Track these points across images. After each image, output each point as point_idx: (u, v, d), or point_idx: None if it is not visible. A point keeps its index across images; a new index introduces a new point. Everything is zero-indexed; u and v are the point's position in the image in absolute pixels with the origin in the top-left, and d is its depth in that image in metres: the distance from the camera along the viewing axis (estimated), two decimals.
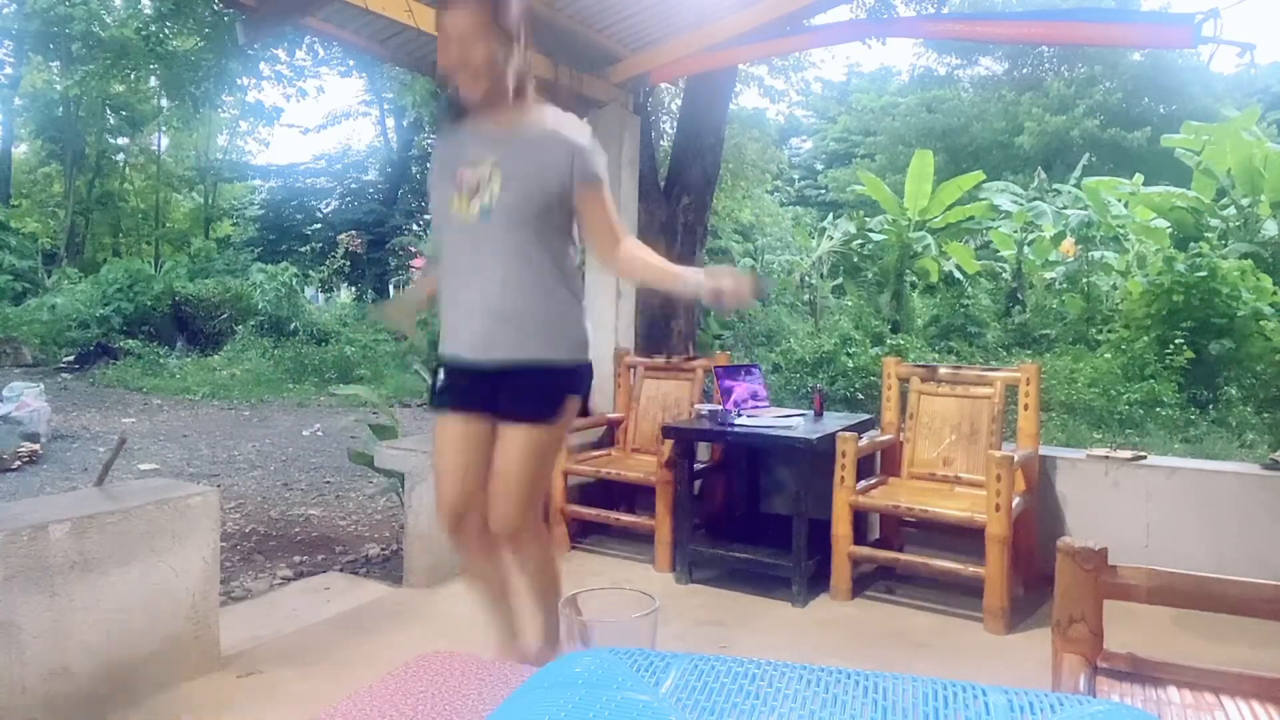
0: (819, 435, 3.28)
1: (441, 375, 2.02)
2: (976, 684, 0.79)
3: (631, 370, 4.21)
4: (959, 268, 12.63)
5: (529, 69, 1.95)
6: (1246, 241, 9.54)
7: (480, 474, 1.97)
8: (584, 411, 2.06)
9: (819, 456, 3.28)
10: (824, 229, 15.16)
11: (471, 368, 1.94)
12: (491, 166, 1.87)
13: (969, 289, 12.14)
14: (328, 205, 22.19)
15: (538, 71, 3.82)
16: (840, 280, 13.96)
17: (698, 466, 3.68)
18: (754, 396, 3.83)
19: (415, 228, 19.20)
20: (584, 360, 1.99)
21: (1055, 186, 13.75)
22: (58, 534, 2.13)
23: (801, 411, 3.77)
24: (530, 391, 1.91)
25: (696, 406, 3.83)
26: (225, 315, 13.84)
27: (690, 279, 1.80)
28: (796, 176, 25.52)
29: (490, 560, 2.10)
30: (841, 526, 3.23)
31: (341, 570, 3.74)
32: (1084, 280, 10.85)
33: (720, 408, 3.61)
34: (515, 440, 1.91)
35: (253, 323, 13.41)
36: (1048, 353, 9.47)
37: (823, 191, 24.41)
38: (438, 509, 2.02)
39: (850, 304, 12.93)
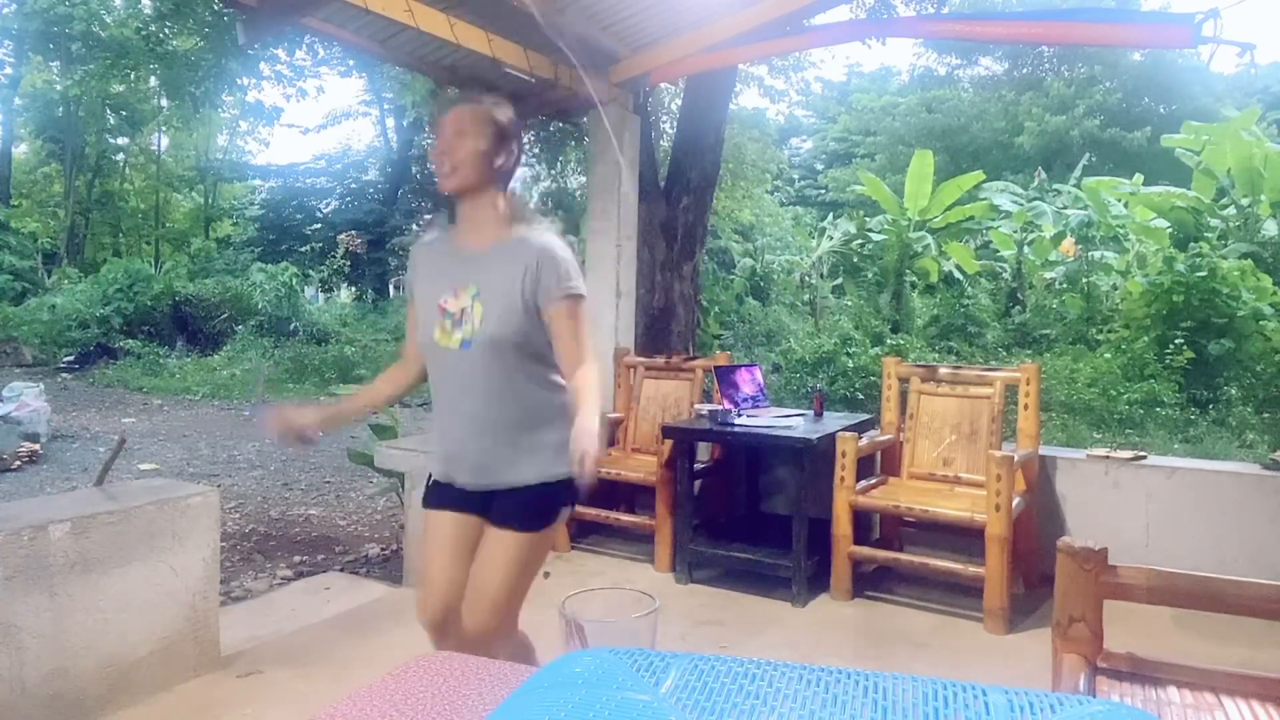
0: (819, 435, 3.28)
1: (431, 479, 2.01)
2: (976, 684, 0.79)
3: (631, 370, 4.21)
4: (959, 268, 12.63)
5: (519, 194, 1.96)
6: (1246, 241, 9.54)
7: (466, 575, 1.93)
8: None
9: (819, 456, 3.28)
10: (824, 229, 15.16)
11: (464, 487, 1.94)
12: (472, 298, 1.86)
13: (969, 289, 12.14)
14: (328, 205, 22.18)
15: (538, 71, 3.84)
16: (840, 280, 13.96)
17: (698, 466, 3.68)
18: (754, 396, 3.83)
19: (415, 227, 19.20)
20: (574, 475, 1.97)
21: (1055, 186, 13.74)
22: (58, 534, 2.13)
23: (801, 411, 3.77)
24: (523, 506, 1.88)
25: (696, 406, 3.83)
26: (225, 315, 13.84)
27: (578, 427, 1.73)
28: (796, 176, 25.53)
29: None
30: (841, 526, 3.23)
31: (341, 570, 3.74)
32: (1084, 280, 10.84)
33: (720, 408, 3.61)
34: (501, 543, 1.88)
35: (253, 323, 13.42)
36: (1048, 353, 9.46)
37: (823, 191, 24.40)
38: (419, 610, 1.96)
39: (850, 304, 12.93)
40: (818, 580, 3.28)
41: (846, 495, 3.22)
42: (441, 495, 1.98)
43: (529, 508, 1.88)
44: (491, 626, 1.88)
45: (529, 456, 1.88)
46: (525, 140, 2.03)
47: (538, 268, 1.83)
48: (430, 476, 2.02)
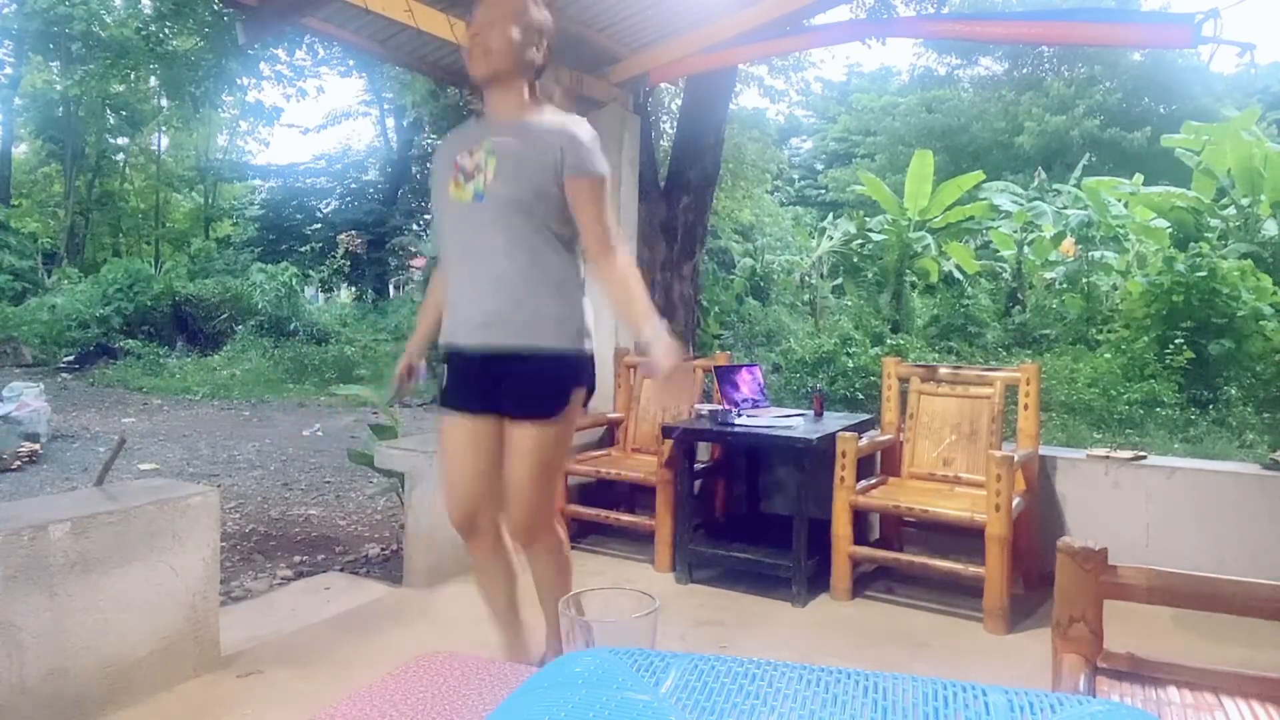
0: (819, 435, 3.28)
1: (447, 373, 2.02)
2: (976, 684, 0.79)
3: (631, 370, 4.21)
4: (959, 268, 12.64)
5: (546, 74, 1.99)
6: (1246, 241, 9.54)
7: (489, 476, 1.97)
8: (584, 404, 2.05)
9: (819, 456, 3.28)
10: (824, 229, 15.17)
11: (473, 354, 1.94)
12: (486, 152, 1.88)
13: (969, 289, 12.14)
14: (328, 205, 22.19)
15: None
16: (840, 280, 13.96)
17: (698, 466, 3.68)
18: (754, 396, 3.83)
19: (415, 228, 19.22)
20: (585, 349, 1.97)
21: (1055, 186, 13.75)
22: (58, 534, 2.13)
23: (801, 411, 3.77)
24: (533, 385, 1.90)
25: (696, 406, 3.83)
26: (225, 315, 13.85)
27: (653, 332, 1.75)
28: (796, 176, 25.53)
29: (502, 562, 2.10)
30: (841, 526, 3.23)
31: (341, 570, 3.74)
32: (1084, 280, 10.85)
33: (720, 408, 3.61)
34: (523, 442, 1.91)
35: (253, 323, 13.42)
36: (1048, 353, 9.46)
37: (823, 191, 24.41)
38: (449, 512, 2.01)
39: (850, 304, 12.93)
40: (818, 580, 3.28)
41: (846, 495, 3.22)
42: (456, 393, 1.99)
43: (539, 387, 1.90)
44: (531, 523, 1.95)
45: (536, 320, 1.89)
46: (549, 36, 2.08)
47: (563, 144, 1.86)
48: (443, 372, 2.02)
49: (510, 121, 1.92)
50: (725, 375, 3.76)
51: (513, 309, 1.88)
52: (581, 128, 1.92)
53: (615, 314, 1.89)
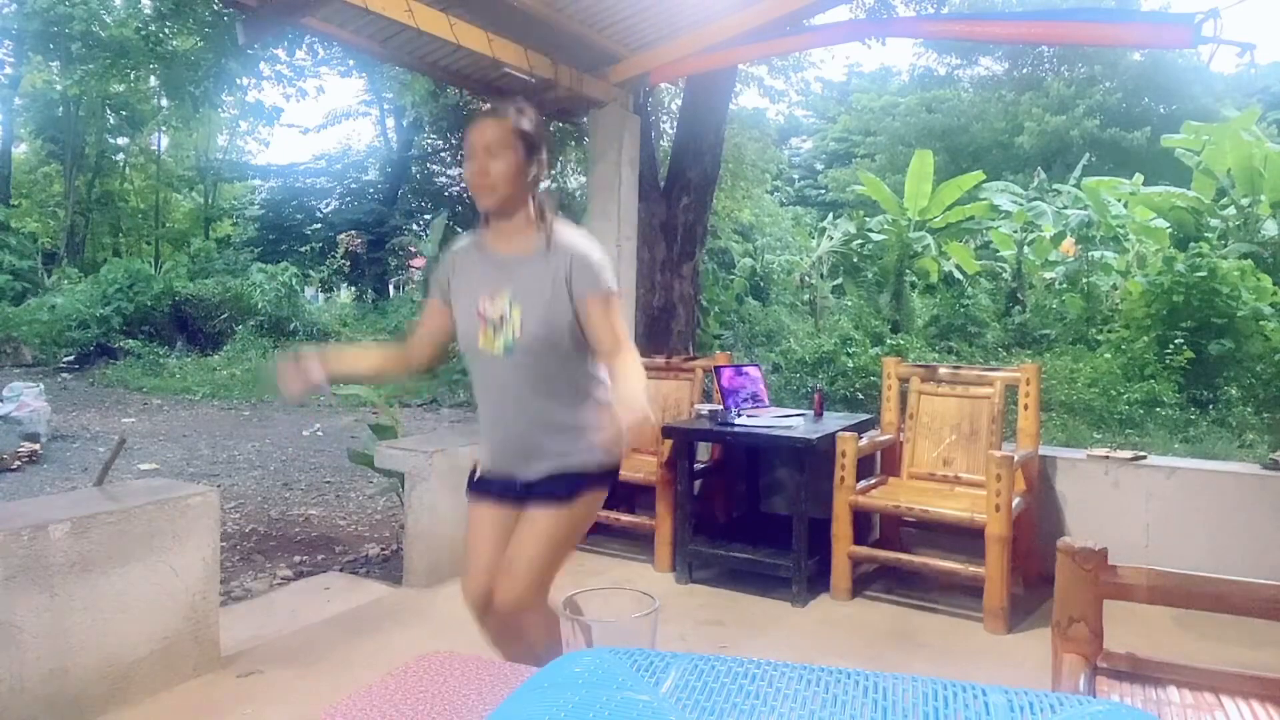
0: (819, 435, 3.28)
1: (477, 468, 2.08)
2: (976, 684, 0.79)
3: None
4: (959, 268, 12.64)
5: (547, 195, 1.99)
6: (1246, 241, 9.55)
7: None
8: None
9: (819, 456, 3.28)
10: (824, 229, 15.17)
11: (509, 477, 2.01)
12: (509, 301, 1.91)
13: (969, 289, 12.14)
14: (328, 205, 22.19)
15: (538, 71, 3.84)
16: (840, 280, 13.96)
17: (698, 466, 3.68)
18: (754, 396, 3.83)
19: (415, 228, 19.22)
20: (613, 464, 2.01)
21: (1055, 186, 13.75)
22: (58, 534, 2.13)
23: (801, 411, 3.77)
24: (559, 487, 1.95)
25: (696, 406, 3.83)
26: (225, 315, 13.85)
27: (621, 409, 1.72)
28: (796, 176, 25.55)
29: (515, 639, 2.10)
30: (841, 526, 3.23)
31: (341, 570, 3.74)
32: (1084, 280, 10.85)
33: (720, 408, 3.61)
34: (535, 518, 1.94)
35: (253, 323, 13.42)
36: (1048, 353, 9.47)
37: (823, 191, 24.42)
38: (464, 590, 2.04)
39: (850, 304, 12.93)
40: (818, 580, 3.28)
41: (846, 495, 3.22)
42: (483, 486, 2.04)
43: (564, 488, 1.94)
44: (522, 601, 1.92)
45: (569, 451, 1.93)
46: (549, 149, 2.09)
47: (570, 269, 1.88)
48: (474, 469, 2.08)
49: (522, 255, 1.94)
50: (725, 375, 3.76)
51: (547, 450, 1.94)
52: (589, 248, 1.93)
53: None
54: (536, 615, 1.96)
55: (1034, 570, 3.24)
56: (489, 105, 2.02)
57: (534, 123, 1.95)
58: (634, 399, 1.75)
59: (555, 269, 1.89)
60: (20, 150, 21.96)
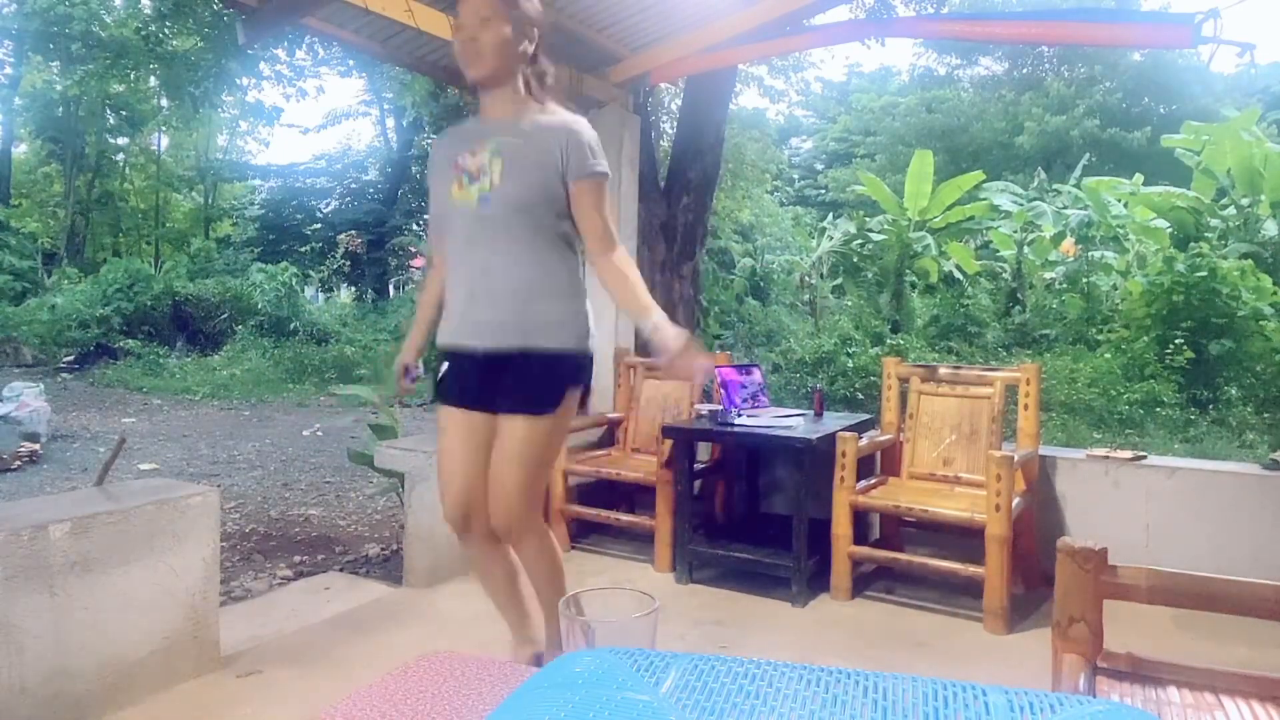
0: (819, 435, 3.28)
1: (445, 371, 2.02)
2: (976, 684, 0.79)
3: (631, 370, 4.21)
4: (959, 268, 12.64)
5: (542, 67, 1.97)
6: (1246, 241, 9.55)
7: (483, 471, 1.96)
8: (582, 406, 2.05)
9: (819, 456, 3.28)
10: (824, 229, 15.16)
11: (470, 355, 1.94)
12: (491, 154, 1.87)
13: (969, 289, 12.14)
14: (328, 205, 22.20)
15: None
16: (840, 280, 13.96)
17: (698, 466, 3.68)
18: (754, 396, 3.83)
19: (415, 227, 19.21)
20: (585, 350, 1.97)
21: (1055, 186, 13.75)
22: (58, 534, 2.13)
23: (801, 411, 3.77)
24: (528, 382, 1.89)
25: (696, 406, 3.83)
26: (225, 315, 13.85)
27: (656, 321, 1.77)
28: (796, 176, 25.54)
29: (498, 558, 2.09)
30: (841, 526, 3.23)
31: (341, 570, 3.74)
32: (1084, 280, 10.85)
33: (720, 408, 3.61)
34: (513, 434, 1.90)
35: (253, 323, 13.43)
36: (1048, 353, 9.47)
37: (823, 191, 24.42)
38: (443, 508, 2.01)
39: (850, 304, 12.93)
40: (818, 580, 3.28)
41: (846, 495, 3.22)
42: (452, 389, 1.98)
43: (534, 384, 1.89)
44: (515, 519, 1.91)
45: (540, 324, 1.89)
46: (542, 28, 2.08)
47: (565, 144, 1.85)
48: (441, 370, 2.02)
49: (511, 121, 1.91)
50: (725, 375, 3.76)
51: (516, 314, 1.88)
52: (582, 126, 1.91)
53: (617, 306, 1.88)
54: (530, 533, 1.95)
55: (1034, 570, 3.24)
56: None
57: (530, 1, 1.93)
58: (662, 319, 1.73)
59: (547, 140, 1.85)
60: (20, 150, 21.95)
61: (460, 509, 1.97)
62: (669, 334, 1.73)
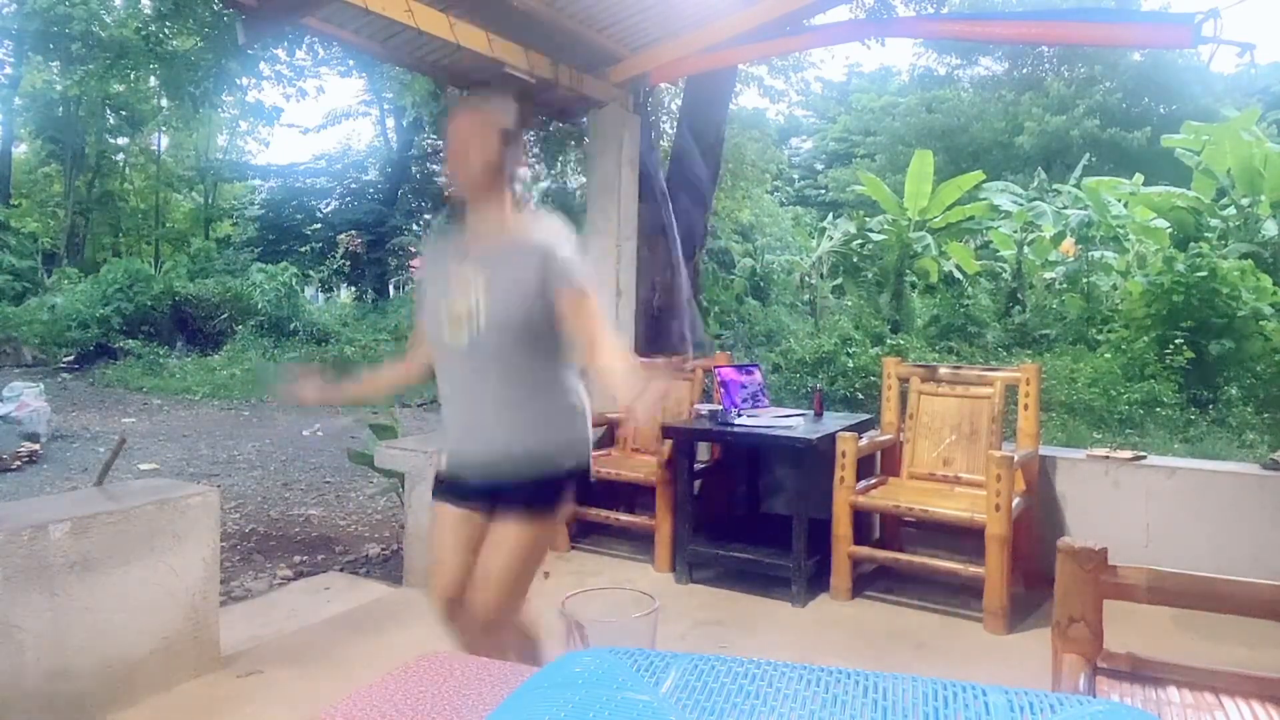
0: (819, 435, 3.28)
1: (443, 467, 2.03)
2: (976, 684, 0.79)
3: None
4: (959, 268, 12.63)
5: (523, 178, 1.99)
6: (1246, 241, 9.54)
7: (473, 564, 1.95)
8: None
9: (819, 456, 3.28)
10: (824, 229, 15.16)
11: (473, 480, 1.96)
12: (477, 295, 1.88)
13: (969, 289, 12.14)
14: (328, 205, 22.18)
15: (538, 71, 3.84)
16: (840, 280, 13.95)
17: (698, 466, 3.68)
18: (754, 396, 3.83)
19: (415, 228, 19.22)
20: (583, 466, 1.98)
21: (1055, 186, 13.74)
22: (58, 534, 2.13)
23: (801, 411, 3.77)
24: (525, 493, 1.91)
25: (696, 406, 3.83)
26: (225, 315, 13.85)
27: (628, 398, 1.68)
28: (796, 176, 25.54)
29: (485, 642, 2.08)
30: (841, 526, 3.23)
31: (341, 570, 3.74)
32: (1084, 280, 10.85)
33: (720, 408, 3.61)
34: (505, 533, 1.90)
35: (253, 323, 13.42)
36: (1048, 353, 9.46)
37: (823, 191, 24.41)
38: (430, 595, 2.01)
39: (850, 304, 12.93)
40: (818, 580, 3.28)
41: (846, 495, 3.22)
42: (449, 489, 2.00)
43: (532, 498, 1.90)
44: (494, 613, 1.90)
45: (535, 452, 1.89)
46: (525, 140, 2.07)
47: (542, 265, 1.85)
48: (439, 472, 2.04)
49: (494, 244, 1.91)
50: (725, 375, 3.76)
51: (511, 453, 1.89)
52: (559, 240, 1.89)
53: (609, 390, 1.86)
54: (510, 631, 1.94)
55: (1034, 570, 3.23)
56: (468, 95, 2.01)
57: (511, 114, 1.94)
58: (629, 380, 1.69)
59: (526, 262, 1.85)
60: (20, 150, 21.95)
61: (449, 598, 1.97)
62: (639, 410, 1.68)
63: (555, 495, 1.94)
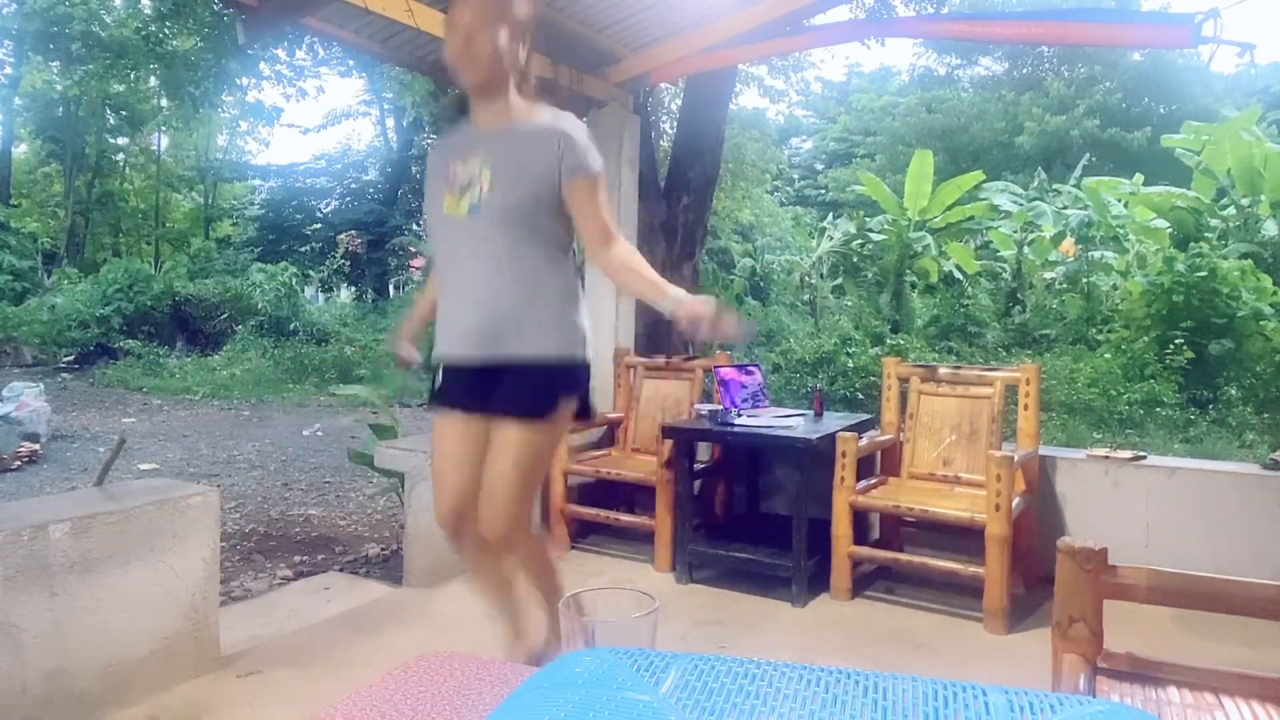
0: (819, 435, 3.28)
1: (440, 375, 2.01)
2: (976, 684, 0.79)
3: (631, 370, 4.21)
4: (959, 268, 12.64)
5: (530, 68, 1.96)
6: (1246, 241, 9.54)
7: (477, 473, 1.95)
8: (585, 413, 2.02)
9: (819, 456, 3.28)
10: (824, 229, 15.16)
11: (466, 366, 1.93)
12: (480, 163, 1.85)
13: (969, 289, 12.14)
14: (328, 205, 22.20)
15: (538, 71, 3.84)
16: (840, 280, 13.96)
17: (698, 466, 3.68)
18: (754, 396, 3.83)
19: (415, 227, 19.21)
20: (580, 359, 1.94)
21: (1055, 186, 13.75)
22: (58, 534, 2.13)
23: (801, 411, 3.77)
24: (524, 389, 1.87)
25: (696, 406, 3.83)
26: (225, 315, 13.84)
27: (674, 297, 1.73)
28: (796, 176, 25.54)
29: (491, 560, 2.08)
30: (841, 526, 3.23)
31: (341, 570, 3.74)
32: (1084, 280, 10.85)
33: (720, 408, 3.61)
34: (507, 439, 1.87)
35: (253, 323, 13.42)
36: (1048, 353, 9.47)
37: (823, 191, 24.41)
38: (436, 511, 1.99)
39: (850, 304, 12.93)
40: (818, 580, 3.28)
41: (846, 495, 3.22)
42: (448, 393, 1.97)
43: (529, 391, 1.87)
44: (505, 524, 1.89)
45: (532, 330, 1.86)
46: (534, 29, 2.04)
47: (559, 145, 1.82)
48: (436, 374, 2.01)
49: (502, 127, 1.88)
50: (725, 375, 3.76)
51: (510, 325, 1.86)
52: (575, 126, 1.88)
53: (630, 297, 1.87)
54: (522, 543, 1.92)
55: (1034, 570, 3.24)
56: None
57: (525, 6, 1.91)
58: (680, 294, 1.70)
59: (539, 143, 1.83)
60: (20, 150, 21.95)
61: (453, 512, 1.95)
62: (695, 304, 1.69)
63: (556, 390, 1.89)
